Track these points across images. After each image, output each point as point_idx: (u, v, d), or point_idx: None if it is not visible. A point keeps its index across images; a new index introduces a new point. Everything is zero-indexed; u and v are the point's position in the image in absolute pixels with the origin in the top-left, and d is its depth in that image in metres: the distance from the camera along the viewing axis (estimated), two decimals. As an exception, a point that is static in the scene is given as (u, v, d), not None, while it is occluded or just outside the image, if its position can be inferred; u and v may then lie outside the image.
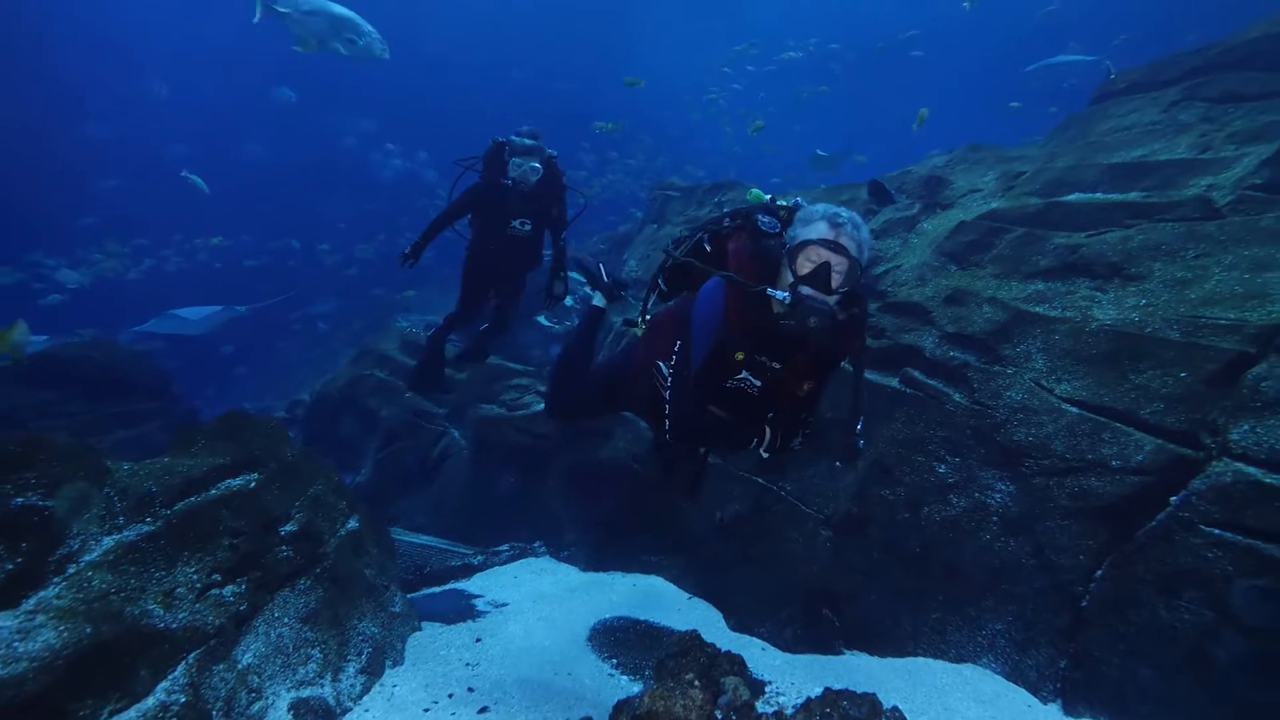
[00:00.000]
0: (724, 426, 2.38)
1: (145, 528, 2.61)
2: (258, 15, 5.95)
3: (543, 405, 5.26)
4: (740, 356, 2.22)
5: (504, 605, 4.32)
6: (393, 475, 6.57)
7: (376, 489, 6.47)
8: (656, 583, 4.68)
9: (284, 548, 3.06)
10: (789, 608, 3.89)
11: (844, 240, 2.09)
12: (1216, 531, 2.64)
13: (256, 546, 2.90)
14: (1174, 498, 2.82)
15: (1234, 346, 3.02)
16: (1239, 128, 4.86)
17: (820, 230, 2.11)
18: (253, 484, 3.07)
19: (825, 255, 2.08)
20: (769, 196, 2.48)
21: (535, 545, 5.39)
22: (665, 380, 2.33)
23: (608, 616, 4.12)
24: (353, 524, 3.61)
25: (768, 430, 2.30)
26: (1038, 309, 3.85)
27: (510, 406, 6.39)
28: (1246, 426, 2.80)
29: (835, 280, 2.07)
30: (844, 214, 2.14)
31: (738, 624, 4.08)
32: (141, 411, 6.78)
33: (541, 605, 4.30)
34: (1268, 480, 2.60)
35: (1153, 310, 3.46)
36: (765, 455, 2.32)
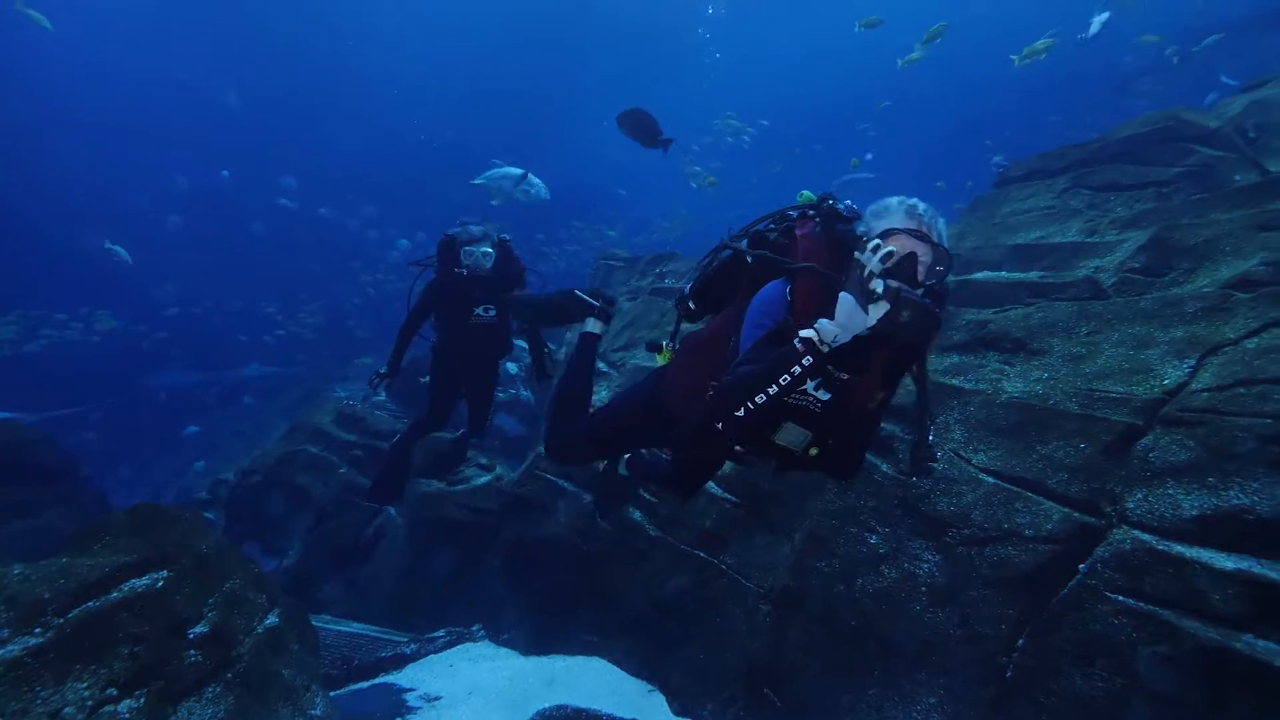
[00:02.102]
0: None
1: (33, 640, 2.40)
2: (474, 181, 8.55)
3: (480, 474, 5.00)
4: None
5: (437, 699, 4.10)
6: (323, 557, 6.24)
7: (304, 573, 6.12)
8: (599, 665, 4.54)
9: (192, 652, 2.85)
10: (731, 687, 3.83)
11: (926, 229, 1.94)
12: (1120, 598, 2.79)
13: (160, 653, 2.70)
14: (1082, 565, 2.98)
15: (1124, 419, 3.27)
16: (1120, 215, 5.42)
17: (901, 219, 1.96)
18: (160, 583, 2.88)
19: (911, 245, 1.91)
20: (818, 198, 2.30)
21: (473, 629, 5.17)
22: None
23: (547, 706, 3.95)
24: (272, 620, 3.40)
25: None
26: (954, 381, 4.10)
27: (450, 481, 6.23)
28: (1140, 495, 3.01)
29: (921, 272, 1.90)
30: (920, 203, 2.00)
31: (681, 707, 3.98)
32: (43, 497, 6.27)
33: (477, 697, 4.10)
34: (1160, 547, 2.79)
35: (1054, 383, 3.73)
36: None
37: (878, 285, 1.78)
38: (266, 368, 16.34)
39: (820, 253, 2.06)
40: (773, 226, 2.35)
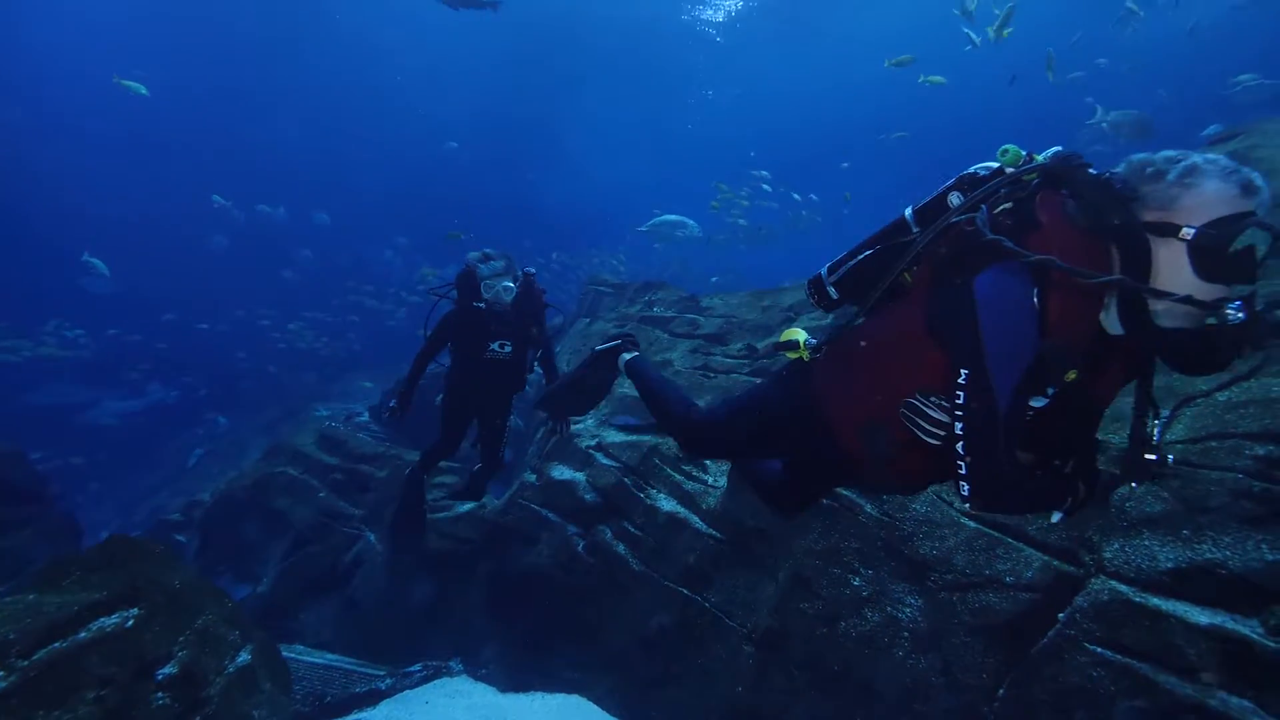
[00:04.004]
0: (1047, 483, 1.71)
1: (-5, 684, 2.32)
2: (641, 229, 10.97)
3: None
4: (1072, 377, 1.55)
5: (412, 738, 4.01)
6: (299, 584, 6.11)
7: (279, 600, 5.99)
8: (579, 704, 4.47)
9: (160, 695, 2.77)
10: (712, 731, 3.79)
11: (1261, 207, 1.41)
12: (1099, 650, 2.81)
13: (127, 697, 2.62)
14: (1061, 615, 3.01)
15: (1101, 467, 3.32)
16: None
17: (1232, 198, 1.40)
18: (130, 622, 2.81)
19: (1257, 236, 1.39)
20: (1025, 154, 1.75)
21: (451, 664, 5.07)
22: (926, 420, 1.69)
23: (524, 748, 3.89)
24: (244, 658, 3.32)
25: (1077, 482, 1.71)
26: (936, 423, 4.14)
27: (432, 508, 6.15)
28: (1117, 545, 3.05)
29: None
30: (1244, 168, 1.45)
31: (661, 750, 3.93)
32: (11, 518, 6.09)
33: (453, 737, 4.01)
34: (1137, 599, 2.82)
35: (1034, 429, 3.79)
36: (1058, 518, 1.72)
37: (1234, 313, 1.35)
38: (127, 402, 15.88)
39: (1088, 251, 1.50)
40: (960, 197, 1.77)
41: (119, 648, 2.67)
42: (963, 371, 1.55)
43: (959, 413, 1.56)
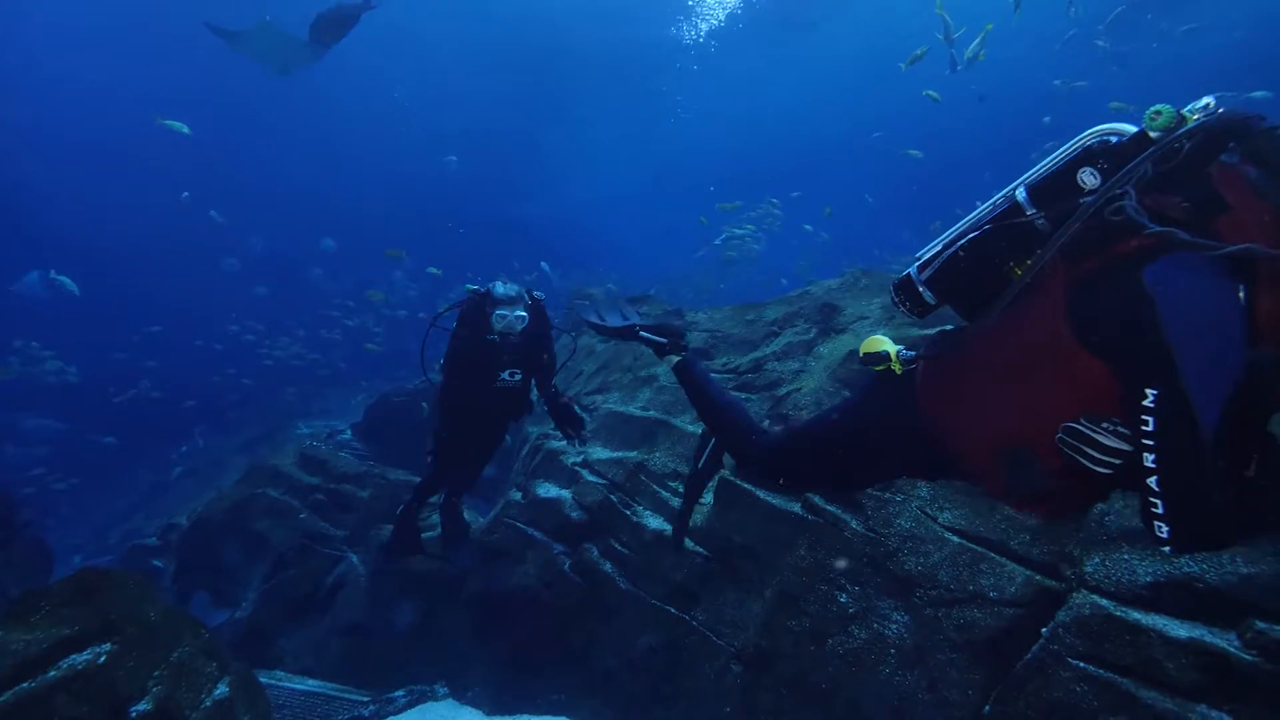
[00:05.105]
0: (1256, 505, 1.37)
1: (-42, 729, 2.25)
2: (716, 241, 13.07)
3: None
4: None
5: (395, 767, 3.93)
6: (279, 608, 6.00)
7: (259, 625, 5.87)
8: (566, 726, 4.42)
9: (134, 732, 2.69)
10: (701, 753, 3.76)
11: None
12: (1081, 665, 2.84)
13: (99, 736, 2.55)
14: (1044, 629, 3.03)
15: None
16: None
17: None
18: (103, 658, 2.73)
19: None
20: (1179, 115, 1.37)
21: (436, 688, 5.00)
22: (1095, 448, 1.39)
23: (511, 774, 3.83)
24: (222, 690, 3.24)
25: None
26: (919, 438, 4.17)
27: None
28: (1097, 559, 3.09)
29: None
30: None
31: (650, 773, 3.89)
32: (-21, 546, 5.94)
33: (438, 764, 3.94)
34: (1118, 613, 2.85)
35: (1014, 443, 3.83)
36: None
37: None
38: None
39: None
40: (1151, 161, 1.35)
41: (90, 686, 2.60)
42: (1148, 392, 1.26)
43: (1148, 442, 1.27)
